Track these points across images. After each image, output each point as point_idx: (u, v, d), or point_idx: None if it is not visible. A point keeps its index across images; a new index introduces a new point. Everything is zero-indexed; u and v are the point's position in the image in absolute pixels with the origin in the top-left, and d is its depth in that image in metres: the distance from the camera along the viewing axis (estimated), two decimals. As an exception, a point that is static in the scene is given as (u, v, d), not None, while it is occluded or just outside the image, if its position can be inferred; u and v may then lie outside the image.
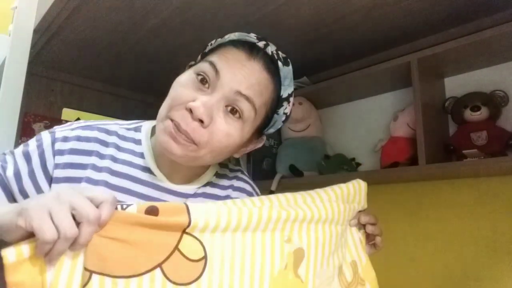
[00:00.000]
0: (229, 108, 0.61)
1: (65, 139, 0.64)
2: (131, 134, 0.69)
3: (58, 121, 1.54)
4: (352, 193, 0.69)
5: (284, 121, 0.71)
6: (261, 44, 0.65)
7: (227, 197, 0.74)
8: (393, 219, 1.25)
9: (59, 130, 0.65)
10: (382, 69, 1.15)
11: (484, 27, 1.00)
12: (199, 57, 0.69)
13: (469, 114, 1.06)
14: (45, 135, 0.64)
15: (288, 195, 0.62)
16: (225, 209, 0.53)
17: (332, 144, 1.47)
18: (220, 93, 0.60)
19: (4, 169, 0.61)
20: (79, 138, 0.64)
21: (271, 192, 1.36)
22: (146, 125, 0.71)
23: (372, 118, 1.38)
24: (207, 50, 0.69)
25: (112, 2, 1.03)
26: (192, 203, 0.51)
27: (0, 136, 0.98)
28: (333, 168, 1.30)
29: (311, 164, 1.35)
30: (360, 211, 0.71)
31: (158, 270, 0.47)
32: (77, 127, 0.66)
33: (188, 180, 0.70)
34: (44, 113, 1.51)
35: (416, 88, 1.05)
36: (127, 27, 1.16)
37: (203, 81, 0.61)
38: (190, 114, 0.58)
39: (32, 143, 0.64)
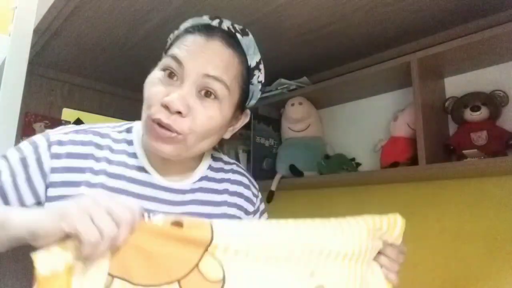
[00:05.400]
0: (202, 92, 0.62)
1: (60, 142, 0.63)
2: (123, 135, 0.70)
3: (58, 121, 1.53)
4: (385, 228, 0.61)
5: (261, 90, 0.73)
6: (215, 22, 0.67)
7: (225, 190, 0.75)
8: (393, 219, 1.25)
9: (53, 134, 0.65)
10: (382, 69, 1.15)
11: (484, 27, 1.00)
12: (163, 54, 0.69)
13: (469, 114, 1.06)
14: (40, 139, 0.64)
15: (318, 222, 0.56)
16: (250, 231, 0.51)
17: (332, 144, 1.47)
18: (189, 81, 0.61)
19: None
20: (74, 142, 0.64)
21: (271, 192, 1.36)
22: (137, 125, 0.72)
23: (372, 118, 1.38)
24: (167, 45, 0.70)
25: (112, 2, 1.03)
26: (218, 221, 0.50)
27: (0, 136, 0.98)
28: (333, 168, 1.30)
29: (311, 164, 1.35)
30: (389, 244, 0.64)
31: (176, 284, 0.47)
32: (70, 131, 0.66)
33: (183, 175, 0.71)
34: (44, 113, 1.51)
35: (416, 88, 1.05)
36: (127, 27, 1.16)
37: (171, 75, 0.63)
38: (167, 109, 0.60)
39: (27, 148, 0.63)
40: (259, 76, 0.70)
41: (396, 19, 1.08)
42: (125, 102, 1.72)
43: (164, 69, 0.63)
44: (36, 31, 1.14)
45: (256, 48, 0.70)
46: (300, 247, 0.53)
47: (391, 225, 0.62)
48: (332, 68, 1.42)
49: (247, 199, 0.78)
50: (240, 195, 0.77)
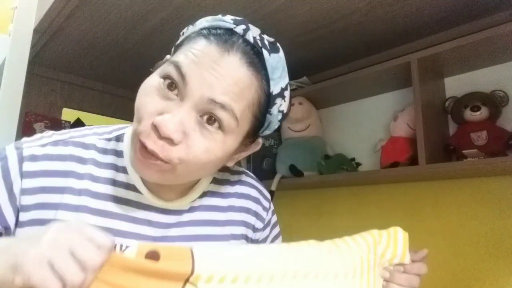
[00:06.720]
0: (205, 117, 0.50)
1: (34, 158, 0.54)
2: (112, 145, 0.59)
3: (58, 121, 1.54)
4: (384, 242, 0.59)
5: (281, 120, 0.58)
6: (239, 29, 0.52)
7: (231, 207, 0.66)
8: (393, 219, 1.25)
9: (27, 146, 0.55)
10: (382, 69, 1.15)
11: (484, 27, 1.00)
12: (172, 50, 0.56)
13: (469, 114, 1.06)
14: (11, 152, 0.54)
15: (312, 243, 0.52)
16: (235, 254, 0.46)
17: (332, 144, 1.47)
18: (189, 103, 0.49)
19: None
20: (51, 157, 0.55)
21: (271, 192, 1.36)
22: (129, 132, 0.59)
23: (372, 118, 1.38)
24: (178, 42, 0.57)
25: (112, 2, 1.03)
26: (199, 247, 0.44)
27: (0, 136, 0.98)
28: (333, 168, 1.30)
29: (311, 164, 1.35)
30: (397, 265, 0.61)
31: None
32: (47, 143, 0.56)
33: (181, 193, 0.61)
34: (44, 113, 1.51)
35: (416, 88, 1.05)
36: (127, 27, 1.16)
37: (171, 86, 0.50)
38: (156, 131, 0.48)
39: None
40: (281, 105, 0.56)
41: (396, 19, 1.08)
42: (125, 102, 1.72)
43: (164, 77, 0.51)
44: (36, 31, 1.14)
45: (285, 70, 0.56)
46: (292, 271, 0.48)
47: (391, 238, 0.59)
48: (332, 68, 1.42)
49: (255, 214, 0.68)
50: (248, 210, 0.67)
